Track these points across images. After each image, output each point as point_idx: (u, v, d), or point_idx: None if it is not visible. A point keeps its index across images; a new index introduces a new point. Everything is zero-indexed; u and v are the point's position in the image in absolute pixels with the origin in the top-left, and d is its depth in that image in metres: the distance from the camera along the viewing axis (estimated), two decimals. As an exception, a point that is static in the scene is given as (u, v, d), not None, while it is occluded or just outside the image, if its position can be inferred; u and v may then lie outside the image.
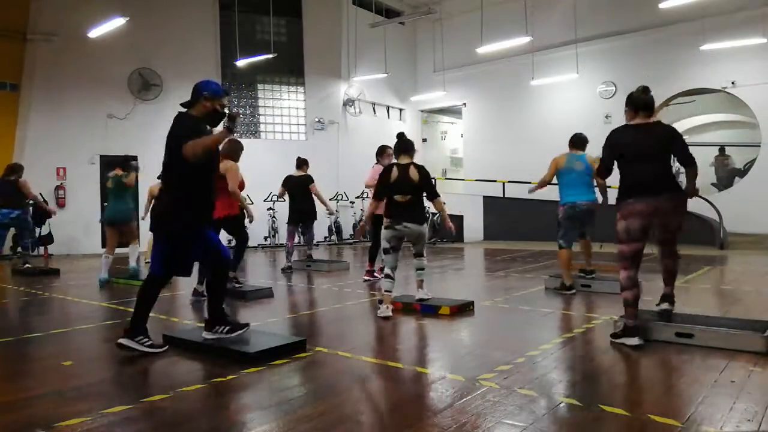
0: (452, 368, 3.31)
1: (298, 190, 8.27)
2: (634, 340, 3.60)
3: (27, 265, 8.60)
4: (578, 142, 6.01)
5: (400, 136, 5.37)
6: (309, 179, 8.27)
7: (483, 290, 6.58)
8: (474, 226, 14.52)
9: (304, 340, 3.75)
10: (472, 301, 5.14)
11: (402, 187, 4.95)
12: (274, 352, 3.49)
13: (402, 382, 3.06)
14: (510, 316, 4.90)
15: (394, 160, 5.18)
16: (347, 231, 15.13)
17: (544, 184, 6.01)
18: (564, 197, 5.96)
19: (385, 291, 4.88)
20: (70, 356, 3.72)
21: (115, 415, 2.55)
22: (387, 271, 4.95)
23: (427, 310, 4.93)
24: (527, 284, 6.71)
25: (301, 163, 8.42)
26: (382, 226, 5.01)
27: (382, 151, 7.05)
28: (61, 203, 12.28)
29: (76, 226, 12.31)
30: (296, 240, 8.97)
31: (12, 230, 9.26)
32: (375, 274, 7.08)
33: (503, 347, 3.76)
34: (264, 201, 13.63)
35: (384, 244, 4.98)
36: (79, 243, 12.45)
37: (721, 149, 15.23)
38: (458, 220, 13.91)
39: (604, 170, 4.03)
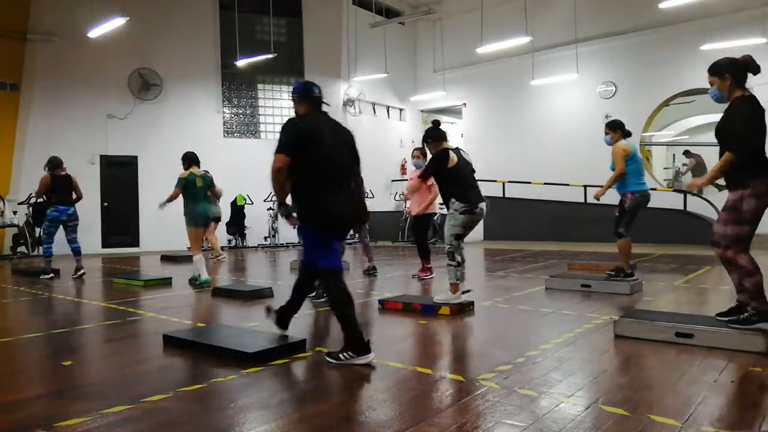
0: (452, 368, 3.31)
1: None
2: None
3: (82, 272, 8.13)
4: (628, 131, 5.96)
5: (437, 123, 5.36)
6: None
7: (483, 290, 6.57)
8: (474, 226, 14.50)
9: (304, 340, 3.75)
10: (472, 301, 5.13)
11: (469, 168, 5.09)
12: (274, 352, 3.48)
13: (402, 382, 3.06)
14: (510, 316, 4.90)
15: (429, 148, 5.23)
16: (347, 231, 15.13)
17: (618, 177, 5.76)
18: (632, 185, 5.75)
19: (457, 280, 4.90)
20: (70, 356, 3.72)
21: (115, 415, 2.55)
22: (459, 258, 4.92)
23: (427, 310, 4.92)
24: (527, 284, 6.71)
25: None
26: (457, 212, 4.87)
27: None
28: (61, 203, 12.26)
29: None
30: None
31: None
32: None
33: (503, 347, 3.76)
34: (264, 201, 13.64)
35: (458, 230, 4.89)
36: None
37: (686, 151, 15.44)
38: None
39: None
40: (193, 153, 7.16)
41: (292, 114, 3.81)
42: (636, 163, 5.81)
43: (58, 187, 7.89)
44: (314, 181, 3.42)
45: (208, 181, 7.16)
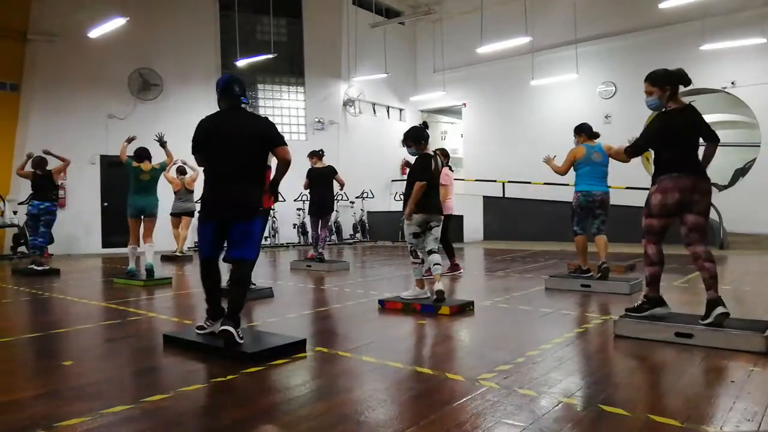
0: (452, 368, 3.31)
1: (322, 181, 8.62)
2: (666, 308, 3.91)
3: (33, 266, 8.39)
4: (594, 133, 6.36)
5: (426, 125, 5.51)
6: (333, 170, 8.74)
7: (483, 290, 6.58)
8: (474, 226, 14.52)
9: (304, 340, 3.75)
10: (472, 301, 5.14)
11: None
12: (274, 352, 3.49)
13: (402, 382, 3.06)
14: (510, 316, 4.90)
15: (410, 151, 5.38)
16: (347, 231, 15.14)
17: (560, 174, 6.33)
18: (578, 185, 6.18)
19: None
20: (70, 356, 3.73)
21: (115, 415, 2.55)
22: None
23: (427, 310, 4.93)
24: (527, 284, 6.71)
25: (321, 155, 8.93)
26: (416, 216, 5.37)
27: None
28: (61, 203, 12.25)
29: (77, 226, 12.32)
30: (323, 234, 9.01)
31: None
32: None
33: (503, 347, 3.76)
34: (264, 201, 13.61)
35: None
36: (80, 243, 12.45)
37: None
38: (458, 220, 13.94)
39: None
40: (143, 149, 7.49)
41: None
42: (587, 167, 6.16)
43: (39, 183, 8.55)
44: None
45: (154, 174, 7.55)
